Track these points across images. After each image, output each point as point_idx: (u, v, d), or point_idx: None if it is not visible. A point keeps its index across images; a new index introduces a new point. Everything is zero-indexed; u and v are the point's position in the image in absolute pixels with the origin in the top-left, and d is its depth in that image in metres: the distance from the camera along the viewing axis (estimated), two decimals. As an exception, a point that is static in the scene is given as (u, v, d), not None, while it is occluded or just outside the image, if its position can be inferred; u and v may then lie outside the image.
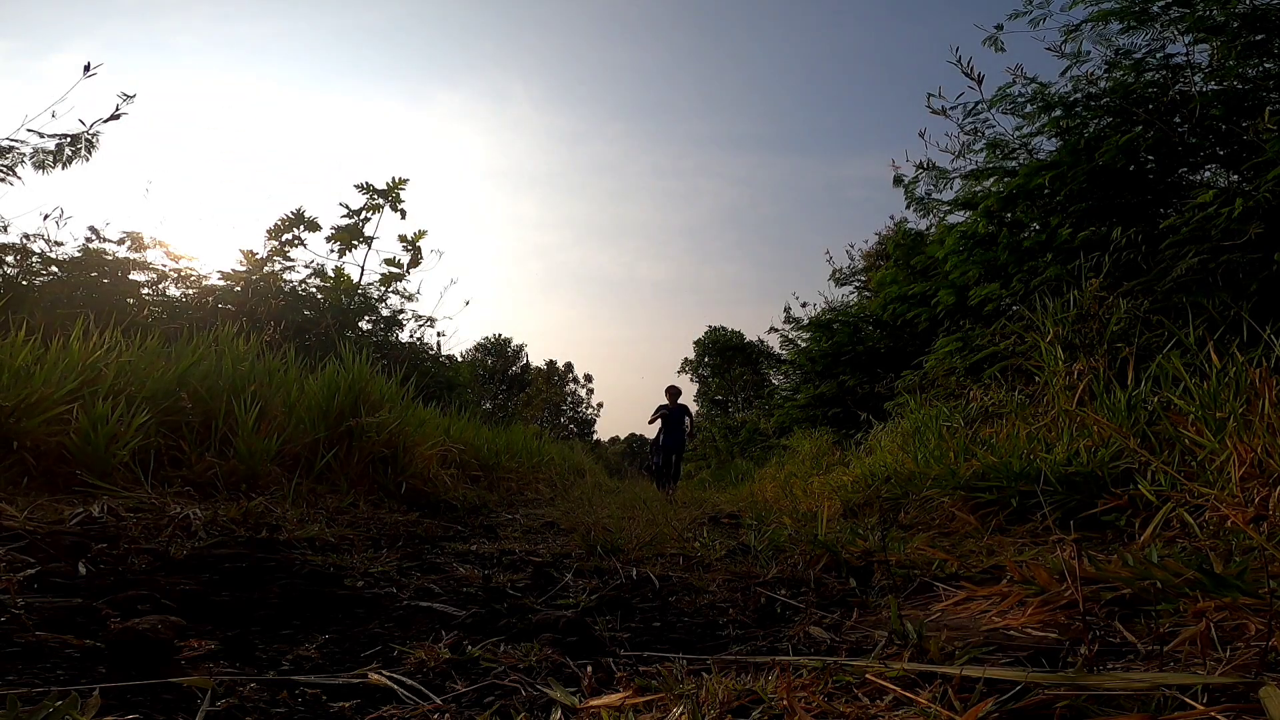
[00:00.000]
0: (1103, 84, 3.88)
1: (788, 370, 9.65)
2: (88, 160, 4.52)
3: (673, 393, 9.12)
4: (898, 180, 5.54)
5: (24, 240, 4.71)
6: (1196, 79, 3.59)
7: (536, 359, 36.40)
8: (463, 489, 3.80)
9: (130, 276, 5.08)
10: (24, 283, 4.49)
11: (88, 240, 5.04)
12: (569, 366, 37.80)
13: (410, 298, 6.84)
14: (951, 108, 4.55)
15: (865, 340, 7.68)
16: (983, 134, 4.59)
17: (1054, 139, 4.16)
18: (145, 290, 5.21)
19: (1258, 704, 0.61)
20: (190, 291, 5.52)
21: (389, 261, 6.59)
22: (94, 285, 4.67)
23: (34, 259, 4.68)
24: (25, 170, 4.38)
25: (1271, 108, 2.91)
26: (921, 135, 5.16)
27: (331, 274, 6.27)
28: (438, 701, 0.80)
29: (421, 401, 4.23)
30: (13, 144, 4.32)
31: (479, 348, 32.85)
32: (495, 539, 2.43)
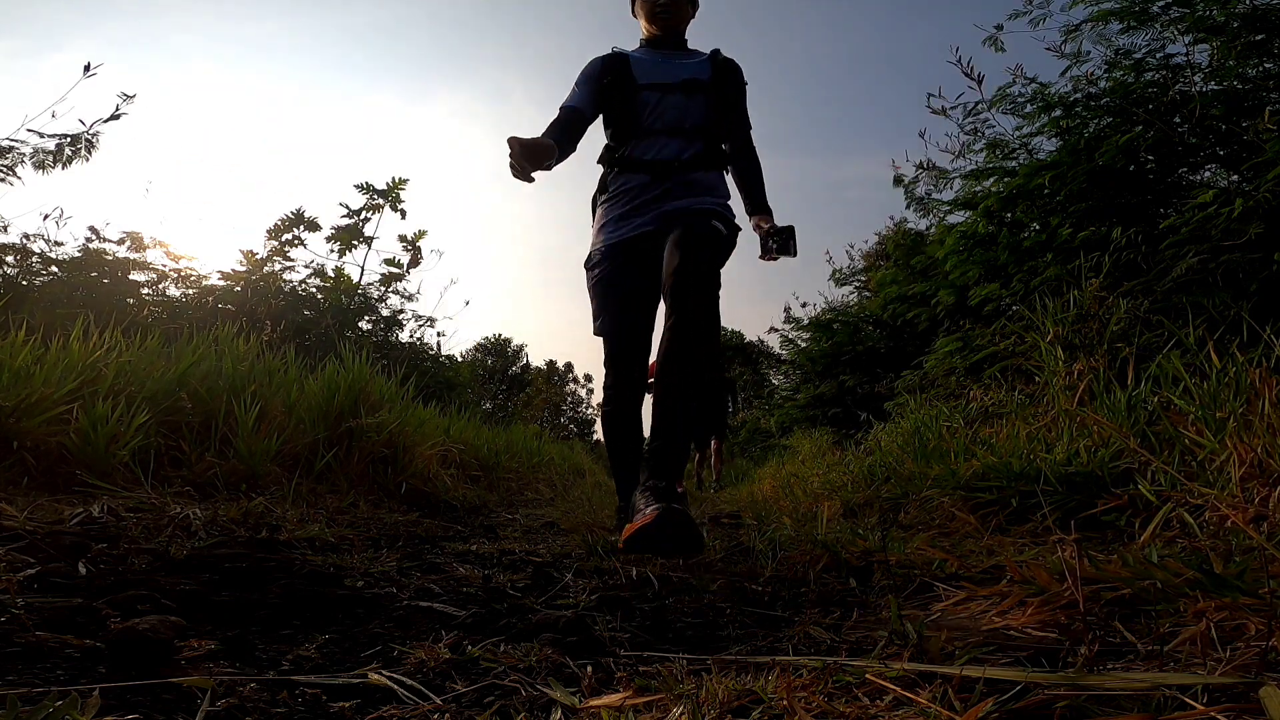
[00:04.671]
0: (1103, 84, 3.88)
1: (788, 370, 9.64)
2: (88, 160, 4.52)
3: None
4: (898, 180, 5.55)
5: (24, 240, 4.71)
6: (1196, 79, 3.59)
7: (536, 359, 36.41)
8: (463, 489, 3.80)
9: (130, 276, 5.08)
10: (24, 283, 4.49)
11: (88, 240, 5.04)
12: (569, 366, 37.80)
13: (410, 298, 6.84)
14: (951, 108, 4.56)
15: (865, 340, 7.68)
16: (983, 134, 4.59)
17: (1054, 139, 4.16)
18: (145, 290, 5.21)
19: (1257, 704, 0.61)
20: (190, 291, 5.51)
21: (389, 261, 6.59)
22: (94, 285, 4.67)
23: (34, 259, 4.68)
24: (25, 170, 4.39)
25: (1271, 108, 2.91)
26: (921, 135, 5.17)
27: (331, 274, 6.26)
28: (438, 701, 0.80)
29: (421, 401, 4.23)
30: (13, 144, 4.32)
31: (479, 348, 32.84)
32: (495, 539, 2.43)
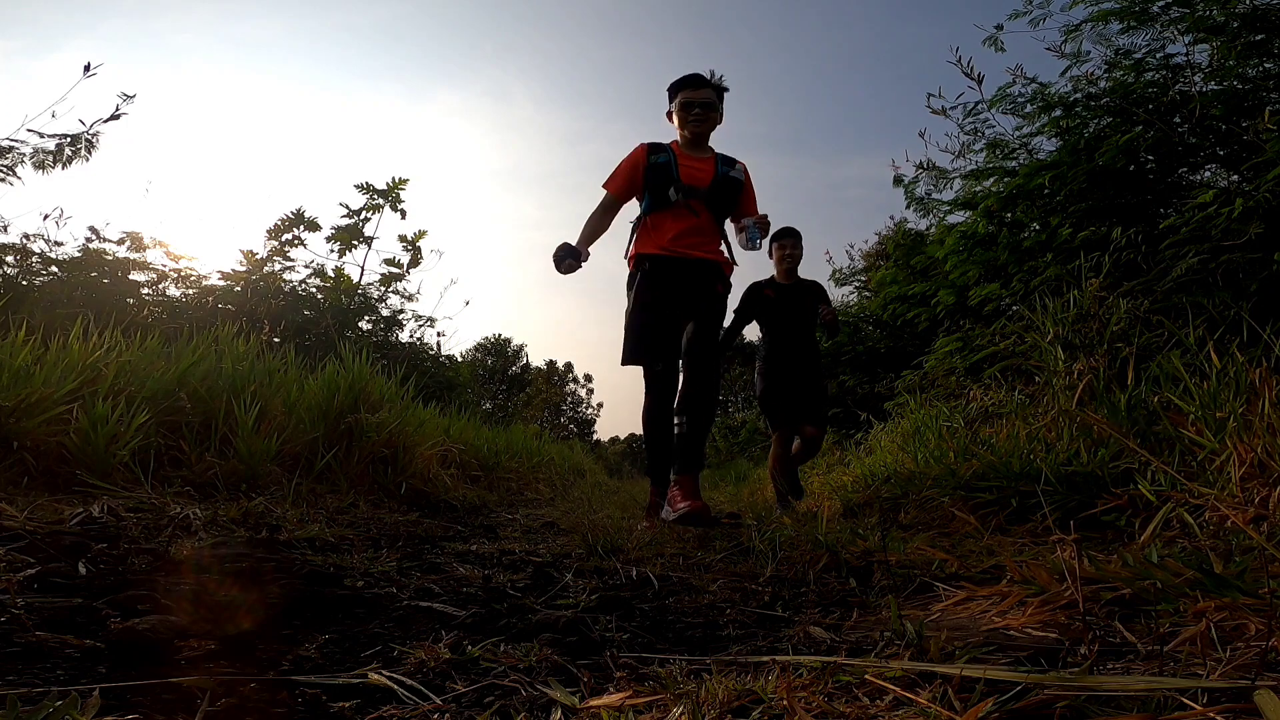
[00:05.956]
0: (1103, 84, 3.88)
1: (788, 370, 9.61)
2: (88, 160, 4.52)
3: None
4: (898, 180, 5.54)
5: (24, 240, 4.71)
6: (1196, 79, 3.59)
7: (536, 359, 36.42)
8: (463, 489, 3.80)
9: (130, 276, 5.08)
10: (24, 283, 4.49)
11: (88, 240, 5.04)
12: (569, 366, 37.81)
13: (410, 298, 6.83)
14: (951, 108, 4.56)
15: (865, 340, 7.68)
16: (983, 134, 4.59)
17: (1054, 139, 4.16)
18: (145, 290, 5.21)
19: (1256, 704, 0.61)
20: (190, 291, 5.51)
21: (389, 261, 6.58)
22: (94, 285, 4.67)
23: (34, 259, 4.68)
24: (25, 170, 4.39)
25: (1271, 108, 2.91)
26: (921, 135, 5.16)
27: (331, 274, 6.26)
28: (438, 701, 0.80)
29: (421, 401, 4.23)
30: (13, 144, 4.32)
31: (479, 348, 32.84)
32: (495, 539, 2.43)
